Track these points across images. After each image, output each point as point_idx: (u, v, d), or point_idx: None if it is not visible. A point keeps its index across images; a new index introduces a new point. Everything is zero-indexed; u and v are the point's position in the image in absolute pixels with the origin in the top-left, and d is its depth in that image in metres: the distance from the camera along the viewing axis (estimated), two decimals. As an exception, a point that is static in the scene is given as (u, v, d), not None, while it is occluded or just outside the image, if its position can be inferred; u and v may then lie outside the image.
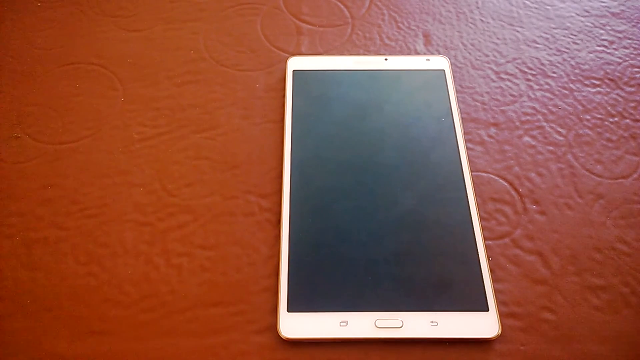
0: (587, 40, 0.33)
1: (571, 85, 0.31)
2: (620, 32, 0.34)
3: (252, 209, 0.27)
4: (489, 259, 0.25)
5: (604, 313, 0.24)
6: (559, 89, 0.31)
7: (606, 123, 0.30)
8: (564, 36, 0.34)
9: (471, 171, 0.28)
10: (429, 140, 0.28)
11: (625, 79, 0.32)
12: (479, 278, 0.24)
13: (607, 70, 0.32)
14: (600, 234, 0.26)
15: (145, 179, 0.28)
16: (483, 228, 0.26)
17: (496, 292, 0.24)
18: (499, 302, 0.24)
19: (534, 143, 0.29)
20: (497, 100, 0.31)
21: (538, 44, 0.33)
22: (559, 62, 0.32)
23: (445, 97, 0.30)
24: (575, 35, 0.34)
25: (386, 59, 0.31)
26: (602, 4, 0.35)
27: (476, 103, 0.31)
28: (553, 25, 0.34)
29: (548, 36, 0.33)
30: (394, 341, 0.23)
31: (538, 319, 0.24)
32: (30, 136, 0.29)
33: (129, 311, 0.24)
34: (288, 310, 0.23)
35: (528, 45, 0.33)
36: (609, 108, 0.30)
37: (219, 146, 0.29)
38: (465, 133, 0.29)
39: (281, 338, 0.23)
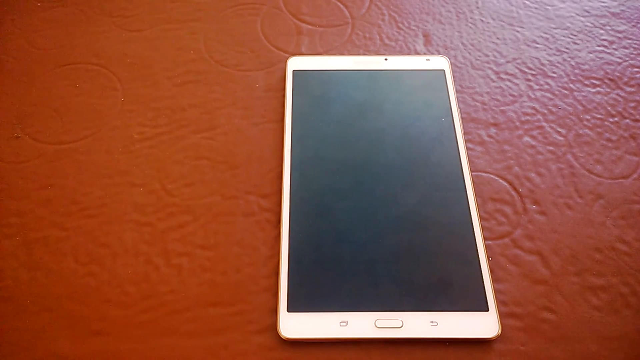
0: (587, 40, 0.33)
1: (571, 85, 0.31)
2: (620, 32, 0.34)
3: (252, 209, 0.27)
4: (489, 259, 0.25)
5: (604, 313, 0.24)
6: (559, 89, 0.31)
7: (606, 123, 0.30)
8: (564, 36, 0.34)
9: (471, 171, 0.28)
10: (429, 140, 0.28)
11: (625, 79, 0.32)
12: (479, 278, 0.24)
13: (607, 70, 0.32)
14: (600, 234, 0.26)
15: (145, 179, 0.28)
16: (483, 228, 0.26)
17: (496, 292, 0.24)
18: (499, 302, 0.24)
19: (534, 143, 0.29)
20: (497, 100, 0.31)
21: (538, 44, 0.33)
22: (559, 62, 0.32)
23: (445, 97, 0.30)
24: (575, 35, 0.34)
25: (386, 59, 0.31)
26: (602, 4, 0.35)
27: (476, 103, 0.31)
28: (553, 25, 0.34)
29: (548, 36, 0.33)
30: (394, 341, 0.23)
31: (538, 319, 0.24)
32: (30, 136, 0.29)
33: (129, 311, 0.24)
34: (288, 310, 0.23)
35: (528, 45, 0.33)
36: (609, 108, 0.30)
37: (219, 146, 0.29)
38: (465, 133, 0.29)
39: (281, 338, 0.23)
